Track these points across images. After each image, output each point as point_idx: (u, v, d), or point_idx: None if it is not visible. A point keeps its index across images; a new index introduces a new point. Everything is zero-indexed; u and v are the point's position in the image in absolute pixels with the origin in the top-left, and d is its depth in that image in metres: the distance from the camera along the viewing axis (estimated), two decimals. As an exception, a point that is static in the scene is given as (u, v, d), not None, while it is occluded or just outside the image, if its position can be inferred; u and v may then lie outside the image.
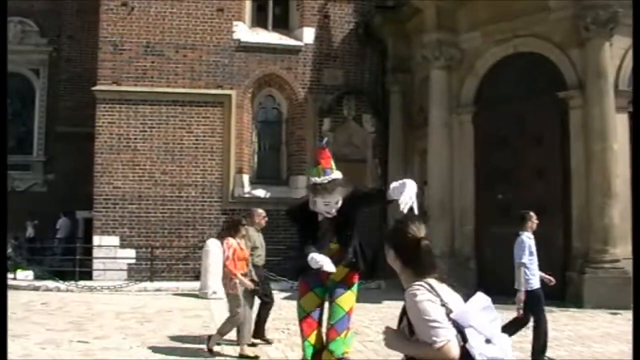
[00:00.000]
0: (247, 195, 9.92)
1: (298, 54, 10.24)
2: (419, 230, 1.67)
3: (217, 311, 6.84)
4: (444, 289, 1.59)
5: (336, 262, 2.87)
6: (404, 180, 2.72)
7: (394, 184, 2.75)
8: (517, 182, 8.08)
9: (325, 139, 3.38)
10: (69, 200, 10.35)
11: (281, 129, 10.48)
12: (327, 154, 2.94)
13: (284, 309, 6.92)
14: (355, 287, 3.04)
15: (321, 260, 2.75)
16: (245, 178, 10.04)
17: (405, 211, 2.53)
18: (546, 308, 4.50)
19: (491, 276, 7.75)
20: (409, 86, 10.23)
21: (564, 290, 7.31)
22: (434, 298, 1.54)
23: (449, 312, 1.53)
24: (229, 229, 4.79)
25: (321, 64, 10.33)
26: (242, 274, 4.62)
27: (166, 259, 9.59)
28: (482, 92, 8.77)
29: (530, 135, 8.12)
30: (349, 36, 10.37)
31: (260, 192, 10.04)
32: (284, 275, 8.51)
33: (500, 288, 4.53)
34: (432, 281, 1.59)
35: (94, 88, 9.67)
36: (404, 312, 1.60)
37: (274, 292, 8.43)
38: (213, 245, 8.45)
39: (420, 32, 9.21)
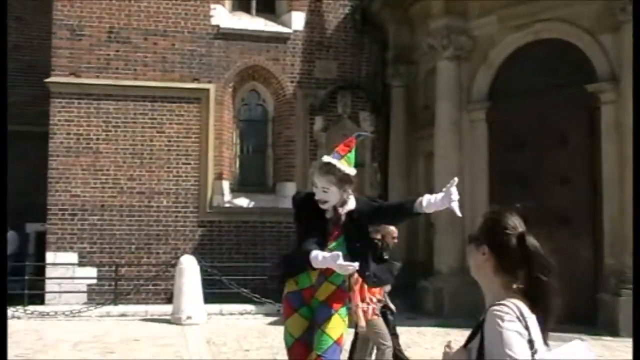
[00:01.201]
0: (227, 205, 9.82)
1: (286, 42, 10.14)
2: (520, 223, 1.53)
3: (192, 339, 6.79)
4: (533, 320, 1.44)
5: (324, 276, 2.85)
6: (443, 193, 2.70)
7: (429, 198, 2.75)
8: (537, 189, 7.99)
9: (366, 133, 3.11)
10: (18, 211, 9.96)
11: (267, 128, 10.39)
12: (350, 142, 2.90)
13: (270, 336, 6.80)
14: (343, 312, 2.99)
15: (329, 257, 2.66)
16: (226, 185, 9.93)
17: (458, 213, 2.57)
18: (574, 335, 4.15)
19: None
20: (412, 80, 10.17)
21: (595, 315, 7.14)
22: (523, 331, 1.39)
23: (534, 352, 1.39)
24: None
25: (312, 55, 10.23)
26: (377, 300, 4.43)
27: (133, 278, 9.36)
28: (497, 85, 8.71)
29: (554, 135, 8.00)
30: (344, 22, 10.33)
31: (243, 201, 9.96)
32: (268, 297, 8.47)
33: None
34: (522, 305, 1.46)
35: (47, 80, 9.39)
36: (477, 331, 1.47)
37: (257, 315, 8.38)
38: (188, 263, 8.30)
39: (426, 18, 9.19)
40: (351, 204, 2.93)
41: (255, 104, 10.40)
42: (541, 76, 8.17)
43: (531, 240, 1.50)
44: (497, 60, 8.65)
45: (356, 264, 2.72)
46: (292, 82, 10.14)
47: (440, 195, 2.75)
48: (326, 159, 2.85)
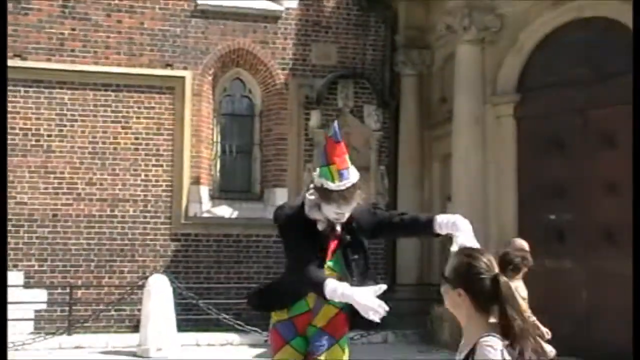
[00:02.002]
0: (206, 215, 9.71)
1: (277, 22, 10.04)
2: (493, 264, 1.87)
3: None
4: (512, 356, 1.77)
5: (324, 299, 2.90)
6: (455, 218, 2.90)
7: (443, 218, 2.92)
8: (577, 198, 7.94)
9: (336, 124, 3.19)
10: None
11: (253, 124, 10.31)
12: (341, 148, 2.95)
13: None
14: (344, 342, 3.08)
15: (357, 292, 2.71)
16: (204, 191, 9.83)
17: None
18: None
19: (540, 323, 7.56)
20: (427, 68, 10.11)
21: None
22: None
23: None
24: (505, 268, 4.50)
25: (308, 37, 10.14)
26: None
27: (91, 303, 9.15)
28: (529, 74, 8.59)
29: (598, 134, 7.87)
30: (346, -2, 10.33)
31: (225, 211, 9.87)
32: (254, 324, 8.42)
33: (559, 343, 4.54)
34: (501, 341, 1.80)
35: (-13, 63, 9.21)
36: None
37: (241, 347, 8.31)
38: (158, 284, 8.15)
39: (443, -6, 9.21)
40: (347, 214, 3.00)
41: (239, 95, 10.34)
42: (583, 64, 8.05)
43: (504, 282, 1.83)
44: (529, 44, 8.55)
45: (376, 301, 2.68)
46: (283, 69, 10.05)
47: (454, 219, 2.89)
48: (347, 181, 2.91)
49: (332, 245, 3.01)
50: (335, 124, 3.23)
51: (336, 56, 10.18)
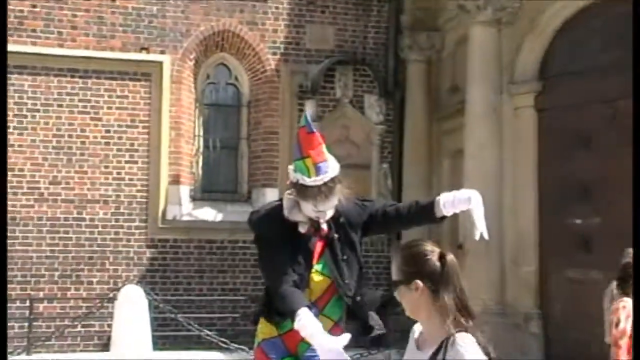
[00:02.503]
0: (186, 219, 9.69)
1: (267, 0, 10.01)
2: (434, 245, 2.07)
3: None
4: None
5: (317, 309, 2.96)
6: (467, 192, 2.99)
7: (447, 196, 2.95)
8: (604, 201, 7.89)
9: (309, 112, 3.54)
10: None
11: (240, 116, 10.28)
12: (316, 139, 2.99)
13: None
14: None
15: (327, 341, 2.68)
16: (185, 191, 9.80)
17: (485, 235, 2.86)
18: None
19: (564, 346, 7.75)
20: (436, 53, 10.06)
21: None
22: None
23: None
24: (627, 280, 4.29)
25: (302, 17, 10.10)
26: None
27: (55, 318, 9.01)
28: (551, 60, 8.53)
29: (629, 128, 7.53)
30: (345, -26, 10.30)
31: (208, 214, 9.85)
32: (241, 342, 8.35)
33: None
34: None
35: None
36: None
37: None
38: (132, 296, 8.08)
39: (455, -32, 9.07)
40: (330, 211, 3.04)
41: (224, 83, 10.28)
42: (612, 49, 7.89)
43: (450, 257, 2.02)
44: (552, 26, 8.50)
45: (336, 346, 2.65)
46: (274, 54, 9.98)
47: (460, 194, 2.95)
48: (324, 175, 2.95)
49: (319, 247, 3.03)
50: (307, 112, 3.55)
51: (334, 39, 10.16)
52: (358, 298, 3.05)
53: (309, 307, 2.86)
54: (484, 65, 8.61)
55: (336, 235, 3.04)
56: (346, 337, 2.67)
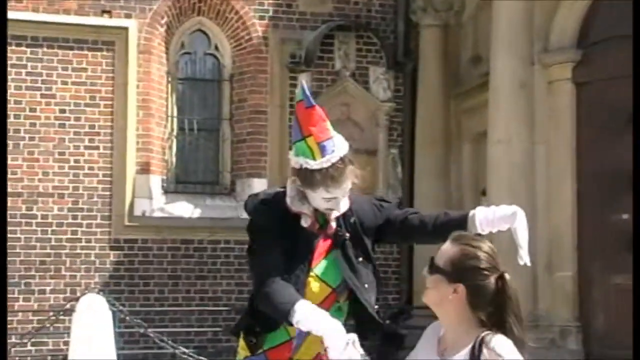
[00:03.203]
0: (158, 214, 9.67)
1: None
2: (495, 256, 2.20)
3: None
4: None
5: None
6: (511, 208, 2.95)
7: (485, 212, 2.95)
8: None
9: (304, 84, 3.18)
10: None
11: (222, 93, 10.30)
12: (317, 113, 3.00)
13: None
14: None
15: (332, 327, 2.73)
16: (156, 182, 9.81)
17: (527, 262, 2.85)
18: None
19: None
20: (454, 16, 10.06)
21: None
22: None
23: None
24: None
25: None
26: None
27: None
28: (594, 24, 8.50)
29: None
30: None
31: (184, 209, 9.83)
32: (223, 359, 8.52)
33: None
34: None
35: None
36: None
37: None
38: (93, 307, 7.82)
39: None
40: (344, 204, 3.04)
41: (202, 53, 10.25)
42: None
43: (510, 283, 2.18)
44: None
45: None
46: (261, 18, 9.95)
47: (501, 210, 2.93)
48: (331, 155, 2.96)
49: (321, 247, 3.04)
50: (304, 83, 3.22)
51: (332, 0, 10.14)
52: (375, 305, 3.07)
53: None
54: (511, 30, 8.55)
55: (347, 235, 3.05)
56: (353, 337, 2.71)
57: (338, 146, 3.00)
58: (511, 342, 2.14)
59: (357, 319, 3.09)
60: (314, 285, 3.00)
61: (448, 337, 2.27)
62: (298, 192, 3.06)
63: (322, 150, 2.97)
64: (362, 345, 2.85)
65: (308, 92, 3.09)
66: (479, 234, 2.84)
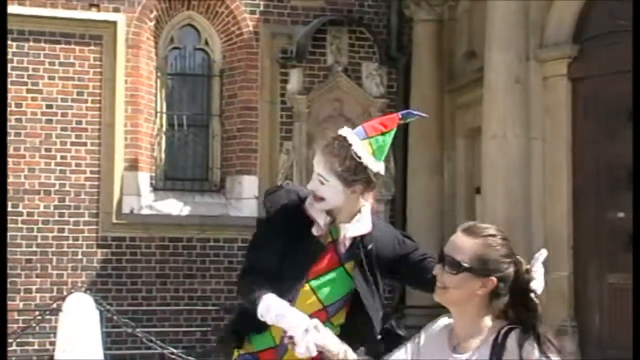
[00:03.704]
0: (146, 212, 9.72)
1: None
2: (509, 240, 2.28)
3: None
4: None
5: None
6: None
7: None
8: None
9: (422, 114, 3.20)
10: None
11: (211, 89, 10.34)
12: (391, 121, 2.95)
13: None
14: None
15: (294, 317, 2.71)
16: (144, 179, 9.84)
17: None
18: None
19: None
20: (449, 10, 10.09)
21: None
22: None
23: None
24: None
25: None
26: None
27: None
28: (590, 19, 8.48)
29: None
30: None
31: (173, 206, 9.87)
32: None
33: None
34: None
35: None
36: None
37: None
38: (79, 307, 7.78)
39: None
40: (364, 225, 2.93)
41: (192, 47, 10.29)
42: None
43: (523, 263, 2.24)
44: None
45: (341, 349, 2.64)
46: (252, 12, 9.95)
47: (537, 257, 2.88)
48: (343, 130, 2.91)
49: (326, 259, 2.95)
50: (421, 114, 3.17)
51: None
52: (379, 337, 2.98)
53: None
54: (506, 25, 8.53)
55: (365, 258, 2.96)
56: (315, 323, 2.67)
57: (363, 145, 2.90)
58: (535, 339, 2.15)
59: (357, 333, 3.01)
60: (306, 297, 2.94)
61: (460, 333, 2.25)
62: None
63: (354, 132, 2.93)
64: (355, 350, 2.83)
65: (416, 112, 3.14)
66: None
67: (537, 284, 2.70)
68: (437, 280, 2.32)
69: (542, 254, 2.73)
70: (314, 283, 2.92)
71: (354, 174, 2.82)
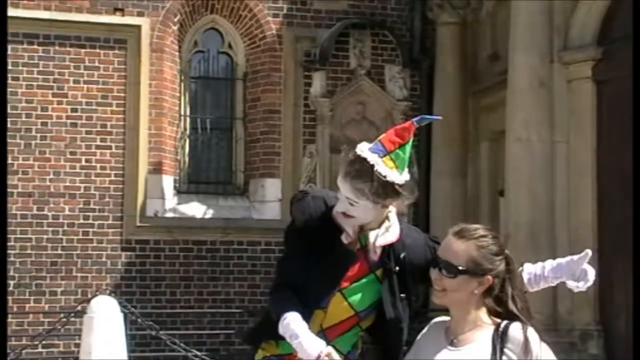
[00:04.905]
0: (170, 215, 9.71)
1: None
2: (499, 237, 2.42)
3: None
4: None
5: (326, 338, 2.81)
6: (577, 260, 2.88)
7: (534, 270, 2.91)
8: None
9: (435, 117, 3.29)
10: None
11: (235, 92, 10.32)
12: (406, 130, 2.84)
13: None
14: None
15: (309, 341, 2.70)
16: (168, 182, 9.82)
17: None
18: None
19: None
20: (472, 13, 10.03)
21: None
22: None
23: None
24: None
25: None
26: None
27: (10, 337, 8.76)
28: (615, 21, 8.40)
29: None
30: None
31: (196, 209, 9.88)
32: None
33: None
34: None
35: None
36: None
37: None
38: (104, 309, 7.81)
39: None
40: (393, 233, 2.89)
41: (216, 51, 10.29)
42: None
43: (512, 260, 2.39)
44: None
45: None
46: (275, 16, 9.96)
47: (556, 263, 2.87)
48: (361, 150, 2.81)
49: (356, 267, 2.89)
50: (434, 117, 3.17)
51: None
52: (405, 347, 2.89)
53: (306, 317, 2.79)
54: (530, 27, 8.52)
55: (397, 268, 2.91)
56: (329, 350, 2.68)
57: (383, 162, 2.85)
58: (533, 330, 2.29)
59: (377, 346, 3.01)
60: (338, 303, 2.90)
61: (456, 329, 2.36)
62: None
63: (372, 148, 2.87)
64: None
65: (429, 116, 3.08)
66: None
67: (589, 278, 2.84)
68: (434, 283, 2.41)
69: (588, 253, 2.82)
70: (345, 290, 2.91)
71: (383, 192, 2.79)
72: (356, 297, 2.87)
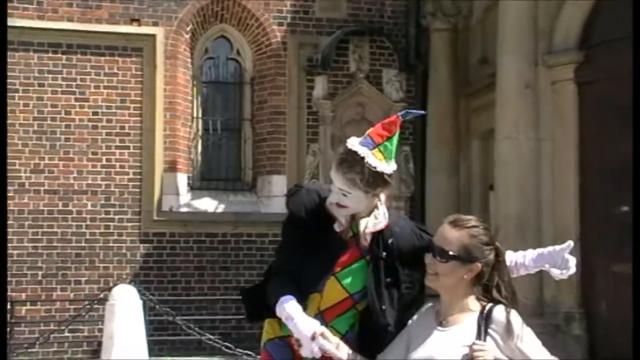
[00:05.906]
0: (184, 210, 9.82)
1: None
2: (490, 228, 2.56)
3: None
4: None
5: (323, 320, 2.84)
6: (560, 249, 2.93)
7: (524, 256, 2.96)
8: None
9: (418, 112, 3.28)
10: None
11: (243, 95, 10.38)
12: (392, 124, 2.87)
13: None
14: None
15: (304, 323, 2.72)
16: (182, 179, 9.94)
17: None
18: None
19: (610, 349, 7.73)
20: (463, 20, 10.04)
21: None
22: None
23: None
24: None
25: None
26: None
27: (38, 322, 9.11)
28: (596, 26, 8.42)
29: None
30: None
31: (208, 204, 9.98)
32: (247, 346, 8.34)
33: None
34: None
35: None
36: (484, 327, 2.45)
37: None
38: (124, 297, 7.97)
39: None
40: (382, 221, 2.89)
41: (225, 57, 10.36)
42: None
43: (502, 251, 2.52)
44: None
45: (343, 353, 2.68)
46: (280, 24, 10.02)
47: (537, 253, 2.92)
48: (351, 144, 2.83)
49: (347, 255, 2.91)
50: (418, 112, 3.21)
51: (347, 7, 10.15)
52: (390, 328, 2.89)
53: (302, 304, 2.81)
54: (517, 33, 8.51)
55: (384, 254, 2.91)
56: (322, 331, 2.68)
57: (373, 155, 2.86)
58: (517, 314, 2.39)
59: (364, 331, 2.97)
60: (332, 287, 2.92)
61: (446, 311, 2.48)
62: None
63: (361, 141, 2.87)
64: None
65: (413, 111, 3.12)
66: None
67: (570, 266, 2.88)
68: (428, 268, 2.51)
69: (570, 244, 2.87)
70: (338, 274, 2.91)
71: (373, 182, 2.81)
72: (348, 280, 2.88)
